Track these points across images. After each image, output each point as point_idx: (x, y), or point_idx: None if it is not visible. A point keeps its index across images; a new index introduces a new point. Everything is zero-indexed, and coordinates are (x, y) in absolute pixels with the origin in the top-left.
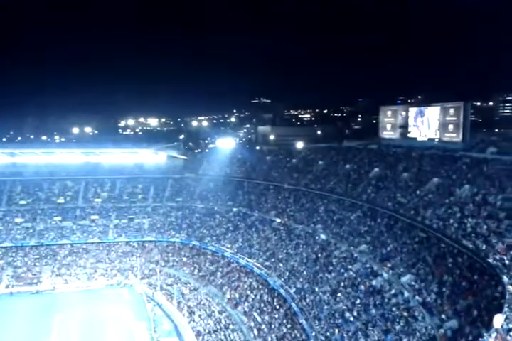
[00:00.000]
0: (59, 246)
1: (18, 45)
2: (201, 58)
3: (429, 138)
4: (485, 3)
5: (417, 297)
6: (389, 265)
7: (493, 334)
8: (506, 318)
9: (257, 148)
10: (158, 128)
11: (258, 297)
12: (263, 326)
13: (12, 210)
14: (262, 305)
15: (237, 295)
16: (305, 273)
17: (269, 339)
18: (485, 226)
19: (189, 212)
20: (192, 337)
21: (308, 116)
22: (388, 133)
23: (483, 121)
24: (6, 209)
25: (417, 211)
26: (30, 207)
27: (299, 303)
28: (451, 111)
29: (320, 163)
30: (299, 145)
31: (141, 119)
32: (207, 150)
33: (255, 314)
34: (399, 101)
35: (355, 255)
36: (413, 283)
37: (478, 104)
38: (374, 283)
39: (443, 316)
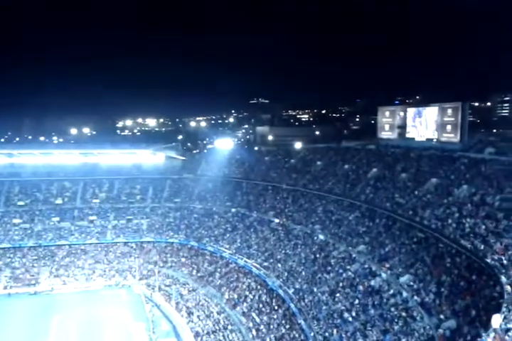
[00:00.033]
0: (57, 247)
1: (16, 46)
2: (199, 59)
3: (427, 139)
4: (484, 3)
5: (415, 297)
6: (387, 265)
7: (492, 334)
8: (504, 318)
9: (256, 148)
10: (157, 129)
11: (257, 297)
12: (262, 326)
13: (10, 211)
14: (261, 305)
15: (235, 296)
16: (303, 273)
17: (268, 339)
18: (483, 227)
19: (187, 212)
20: (190, 338)
21: (307, 116)
22: (386, 133)
23: (481, 122)
24: (4, 210)
25: (416, 211)
26: (28, 208)
27: (297, 304)
28: (449, 111)
29: (318, 163)
30: (298, 145)
31: (139, 120)
32: (205, 151)
33: (254, 314)
34: (397, 102)
35: (354, 255)
36: (411, 283)
37: (476, 104)
38: (372, 283)
39: (441, 316)
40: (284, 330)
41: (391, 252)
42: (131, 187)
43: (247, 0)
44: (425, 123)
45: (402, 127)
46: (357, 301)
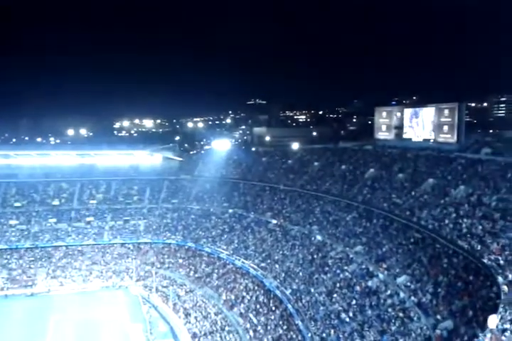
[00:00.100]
0: (54, 248)
1: (13, 46)
2: (197, 59)
3: (424, 139)
4: (483, 4)
5: (412, 297)
6: (384, 266)
7: (488, 335)
8: (501, 318)
9: (253, 149)
10: (154, 130)
11: (254, 298)
12: (259, 327)
13: (7, 212)
14: (258, 306)
15: (233, 297)
16: (301, 274)
17: (265, 340)
18: (480, 227)
19: (185, 213)
20: (188, 339)
21: (304, 117)
22: (383, 134)
23: (478, 122)
24: (1, 211)
25: (413, 212)
26: (25, 209)
27: (294, 304)
28: (446, 112)
29: (315, 164)
30: (295, 146)
31: (137, 121)
32: (202, 152)
33: (251, 315)
34: (394, 102)
35: (351, 256)
36: (408, 283)
37: (473, 104)
38: (370, 283)
39: (438, 316)
40: (281, 331)
41: (388, 252)
42: (129, 188)
43: (246, 0)
44: (422, 124)
45: (399, 128)
46: (354, 302)
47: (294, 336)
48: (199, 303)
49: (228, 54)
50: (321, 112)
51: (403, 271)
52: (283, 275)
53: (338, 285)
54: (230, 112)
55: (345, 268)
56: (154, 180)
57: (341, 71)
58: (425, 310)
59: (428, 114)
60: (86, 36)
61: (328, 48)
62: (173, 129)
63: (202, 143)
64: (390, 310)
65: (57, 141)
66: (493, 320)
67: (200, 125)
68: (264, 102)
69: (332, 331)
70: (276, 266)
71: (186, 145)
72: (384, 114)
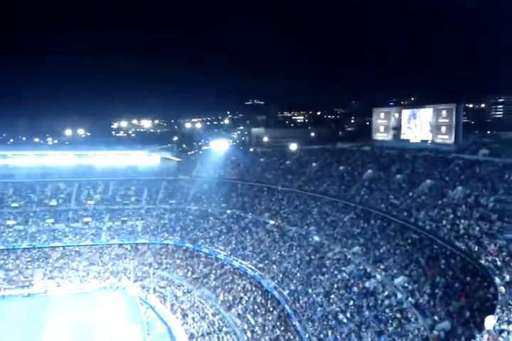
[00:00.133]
0: (51, 249)
1: (11, 46)
2: (195, 60)
3: (421, 140)
4: (481, 5)
5: (409, 298)
6: (382, 266)
7: (485, 336)
8: (498, 319)
9: (251, 149)
10: (152, 130)
11: (251, 299)
12: (256, 328)
13: (4, 213)
14: (256, 307)
15: (230, 298)
16: (298, 275)
17: None
18: (477, 228)
19: (183, 214)
20: (185, 340)
21: (302, 117)
22: (381, 135)
23: (476, 123)
24: None
25: (410, 212)
26: (23, 210)
27: (292, 305)
28: (444, 113)
29: (313, 164)
30: (293, 147)
31: (135, 121)
32: (200, 152)
33: (249, 316)
34: (392, 103)
35: (349, 257)
36: (406, 284)
37: (471, 106)
38: (367, 284)
39: (436, 317)
40: (279, 332)
41: (386, 253)
42: (126, 189)
43: (246, 1)
44: (420, 125)
45: (397, 128)
46: (352, 302)
47: (292, 337)
48: (197, 304)
49: (226, 55)
50: (319, 113)
51: (401, 272)
52: (281, 276)
53: (335, 286)
54: (228, 113)
55: (343, 268)
56: (152, 180)
57: (339, 72)
58: (422, 310)
59: (426, 114)
60: (85, 36)
61: (327, 49)
62: (171, 130)
63: (200, 143)
64: (387, 310)
65: (55, 141)
66: (490, 321)
67: (198, 125)
68: (262, 103)
69: (330, 332)
70: (274, 266)
71: (184, 145)
72: (382, 114)
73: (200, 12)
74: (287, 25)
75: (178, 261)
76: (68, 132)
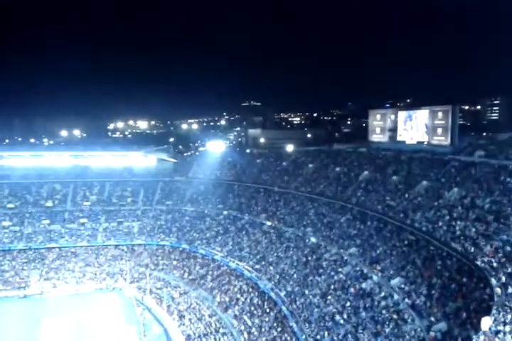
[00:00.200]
0: (47, 250)
1: (9, 46)
2: (193, 61)
3: (417, 142)
4: (479, 6)
5: (406, 299)
6: (378, 268)
7: (482, 337)
8: (494, 320)
9: (248, 151)
10: (148, 131)
11: (248, 300)
12: (253, 329)
13: None
14: (252, 308)
15: (227, 299)
16: (295, 276)
17: None
18: (473, 229)
19: (179, 215)
20: None
21: (298, 119)
22: (377, 136)
23: (472, 125)
24: None
25: (406, 214)
26: (18, 211)
27: (289, 306)
28: (440, 114)
29: (310, 166)
30: (289, 148)
31: (131, 122)
32: (197, 153)
33: (245, 317)
34: (388, 105)
35: (345, 258)
36: (403, 285)
37: (467, 107)
38: (364, 285)
39: (432, 318)
40: (275, 333)
41: (382, 255)
42: (123, 190)
43: (245, 1)
44: (416, 127)
45: (393, 130)
46: (348, 304)
47: (289, 338)
48: (193, 305)
49: (223, 56)
50: (315, 114)
51: (397, 273)
52: (277, 277)
53: (332, 287)
54: (225, 114)
55: (340, 270)
56: (148, 181)
57: (336, 73)
58: (419, 312)
59: (422, 116)
60: (84, 36)
61: (324, 50)
62: (167, 131)
63: (196, 144)
64: (384, 312)
65: (51, 142)
66: (486, 322)
67: (195, 126)
68: (258, 104)
69: (326, 333)
70: (271, 267)
71: (181, 146)
72: (378, 116)
73: (200, 12)
74: (286, 26)
75: (174, 262)
76: (64, 133)
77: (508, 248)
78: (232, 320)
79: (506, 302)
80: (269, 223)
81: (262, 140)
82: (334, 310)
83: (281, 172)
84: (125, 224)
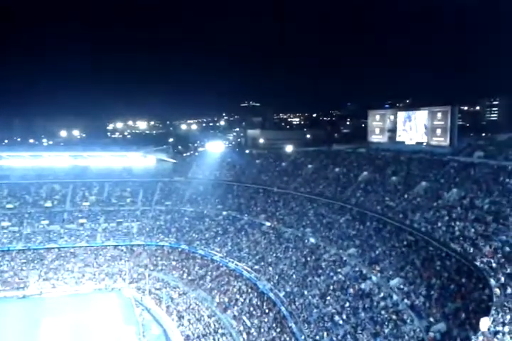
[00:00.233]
0: (46, 250)
1: (7, 46)
2: (192, 61)
3: (417, 142)
4: (476, 6)
5: (405, 300)
6: (378, 268)
7: (480, 337)
8: (493, 321)
9: (247, 151)
10: (147, 132)
11: (247, 301)
12: (252, 330)
13: None
14: (252, 309)
15: (226, 299)
16: (294, 276)
17: None
18: (472, 230)
19: (178, 215)
20: None
21: (298, 119)
22: (377, 137)
23: (471, 126)
24: None
25: (406, 214)
26: (17, 211)
27: (288, 307)
28: (439, 115)
29: (309, 166)
30: (289, 148)
31: (130, 122)
32: (196, 154)
33: (244, 318)
34: (387, 106)
35: (344, 258)
36: (402, 286)
37: (466, 108)
38: (363, 286)
39: (431, 319)
40: (274, 334)
41: (381, 255)
42: (122, 190)
43: (243, 1)
44: (415, 127)
45: (392, 131)
46: (347, 304)
47: (288, 338)
48: (192, 306)
49: (222, 56)
50: (314, 115)
51: (396, 274)
52: (276, 277)
53: (331, 287)
54: (224, 114)
55: (339, 270)
56: (147, 182)
57: (335, 74)
58: (418, 312)
59: (421, 117)
60: (83, 36)
61: (324, 50)
62: (166, 131)
63: (196, 145)
64: (383, 312)
65: (50, 142)
66: (484, 323)
67: (194, 127)
68: (258, 104)
69: (325, 333)
70: (270, 268)
71: (180, 147)
72: (377, 117)
73: (200, 12)
74: (286, 26)
75: (173, 263)
76: (63, 133)
77: (507, 248)
78: (231, 320)
79: (505, 303)
80: (268, 223)
81: (261, 140)
82: (333, 311)
83: (280, 172)
84: (124, 224)
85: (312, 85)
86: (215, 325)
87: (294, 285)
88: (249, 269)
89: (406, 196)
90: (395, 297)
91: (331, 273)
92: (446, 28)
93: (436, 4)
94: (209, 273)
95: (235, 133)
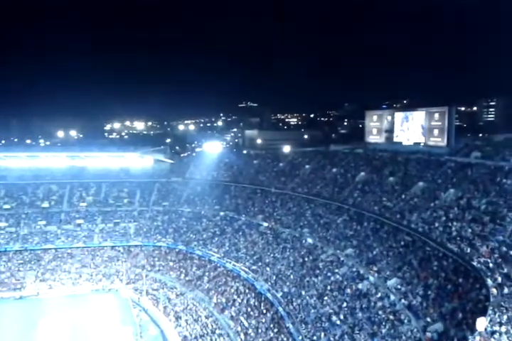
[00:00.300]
0: (43, 251)
1: (5, 46)
2: (190, 61)
3: (414, 143)
4: (474, 6)
5: (402, 300)
6: (375, 268)
7: (477, 337)
8: (490, 321)
9: (244, 152)
10: (145, 132)
11: (245, 301)
12: (250, 330)
13: None
14: (249, 309)
15: (223, 300)
16: (292, 277)
17: None
18: (469, 230)
19: (175, 216)
20: None
21: (295, 120)
22: (374, 137)
23: (468, 126)
24: None
25: (403, 215)
26: (14, 212)
27: (285, 307)
28: (436, 115)
29: (307, 166)
30: (286, 149)
31: (127, 123)
32: (194, 154)
33: (242, 318)
34: (384, 106)
35: (342, 259)
36: (399, 286)
37: (463, 109)
38: (360, 286)
39: (428, 319)
40: (272, 334)
41: (379, 255)
42: (119, 191)
43: (242, 1)
44: (412, 128)
45: (390, 131)
46: (345, 304)
47: (285, 339)
48: (190, 306)
49: (222, 57)
50: (312, 115)
51: (393, 274)
52: (274, 278)
53: (328, 287)
54: (222, 115)
55: (336, 270)
56: (145, 182)
57: (332, 74)
58: (415, 312)
59: (418, 117)
60: (81, 36)
61: (321, 51)
62: (164, 131)
63: (193, 145)
64: (380, 312)
65: (47, 142)
66: (481, 323)
67: (192, 127)
68: (255, 105)
69: (323, 334)
70: (268, 268)
71: (177, 147)
72: (375, 117)
73: (200, 12)
74: (285, 26)
75: (171, 264)
76: (60, 134)
77: (504, 248)
78: (229, 321)
79: (502, 303)
80: (265, 224)
81: (258, 141)
82: (331, 311)
83: (278, 173)
84: (121, 225)
85: (310, 86)
86: (212, 326)
87: (292, 286)
88: (246, 270)
89: (403, 196)
90: (392, 297)
91: (329, 274)
92: (443, 28)
93: (435, 4)
94: (206, 273)
95: (232, 134)
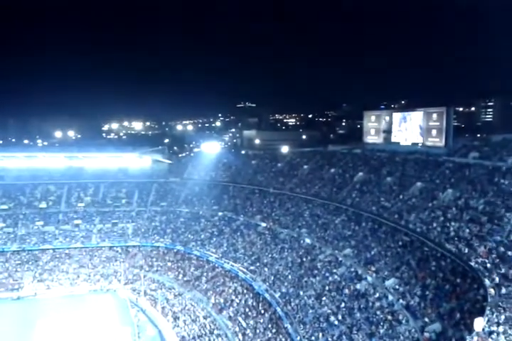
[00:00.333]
0: (41, 252)
1: (5, 46)
2: (188, 62)
3: (412, 143)
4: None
5: (400, 300)
6: (373, 269)
7: (475, 337)
8: (488, 321)
9: (243, 152)
10: (143, 132)
11: (243, 301)
12: (248, 331)
13: None
14: (247, 309)
15: (221, 300)
16: (290, 277)
17: None
18: (467, 230)
19: (174, 216)
20: None
21: (294, 120)
22: (372, 137)
23: (466, 126)
24: None
25: (401, 215)
26: (12, 212)
27: (283, 308)
28: (434, 116)
29: (305, 167)
30: (284, 149)
31: (125, 123)
32: (192, 155)
33: (240, 319)
34: (382, 106)
35: (340, 259)
36: (397, 286)
37: (461, 109)
38: (358, 286)
39: (426, 319)
40: (270, 334)
41: (377, 256)
42: (117, 191)
43: (242, 1)
44: (410, 128)
45: (388, 131)
46: (343, 305)
47: (283, 339)
48: (188, 307)
49: (220, 57)
50: (310, 116)
51: (391, 274)
52: (272, 278)
53: (327, 288)
54: (220, 115)
55: (334, 271)
56: (143, 182)
57: (331, 74)
58: (413, 312)
59: (416, 118)
60: (80, 36)
61: (319, 51)
62: (162, 132)
63: (191, 145)
64: (378, 312)
65: (45, 143)
66: (479, 323)
67: (190, 128)
68: (253, 105)
69: (321, 334)
70: (266, 269)
71: (176, 147)
72: (373, 118)
73: (195, 13)
74: (281, 28)
75: (169, 264)
76: (58, 134)
77: (502, 249)
78: (227, 321)
79: (500, 303)
80: (264, 224)
81: (257, 141)
82: (329, 311)
83: (276, 173)
84: (119, 225)
85: (308, 86)
86: (210, 326)
87: (290, 286)
88: (244, 270)
89: (401, 196)
90: (390, 297)
91: (327, 274)
92: (442, 29)
93: (434, 4)
94: (204, 273)
95: (230, 134)
